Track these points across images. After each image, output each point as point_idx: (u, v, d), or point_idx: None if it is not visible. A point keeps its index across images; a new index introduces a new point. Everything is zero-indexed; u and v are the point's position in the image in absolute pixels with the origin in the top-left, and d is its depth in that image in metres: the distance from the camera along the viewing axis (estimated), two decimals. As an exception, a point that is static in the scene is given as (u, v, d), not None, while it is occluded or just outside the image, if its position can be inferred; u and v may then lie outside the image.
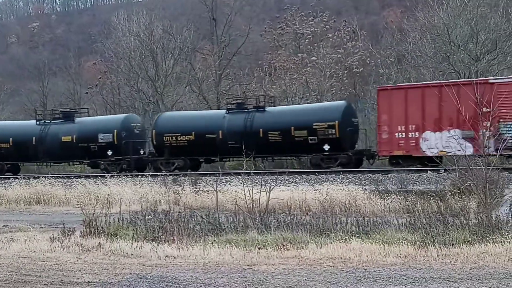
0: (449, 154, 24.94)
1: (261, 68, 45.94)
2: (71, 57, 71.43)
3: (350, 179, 23.86)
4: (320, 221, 13.70)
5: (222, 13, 49.98)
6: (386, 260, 10.88)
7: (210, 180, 24.12)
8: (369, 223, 13.44)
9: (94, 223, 14.36)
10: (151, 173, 27.88)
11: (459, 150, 21.69)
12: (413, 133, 27.15)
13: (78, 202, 21.67)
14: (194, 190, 21.98)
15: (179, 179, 25.46)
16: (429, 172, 23.70)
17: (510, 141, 22.04)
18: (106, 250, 12.54)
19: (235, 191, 17.63)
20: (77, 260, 11.82)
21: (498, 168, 16.37)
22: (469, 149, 22.59)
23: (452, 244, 11.54)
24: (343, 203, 17.61)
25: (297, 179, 24.85)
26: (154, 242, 12.86)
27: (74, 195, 23.58)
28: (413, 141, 27.11)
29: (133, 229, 14.03)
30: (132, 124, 34.35)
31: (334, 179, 24.06)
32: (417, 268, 10.25)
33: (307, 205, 18.02)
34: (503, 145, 18.23)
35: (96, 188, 23.78)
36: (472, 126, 21.39)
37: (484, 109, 20.22)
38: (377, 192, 18.67)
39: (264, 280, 9.77)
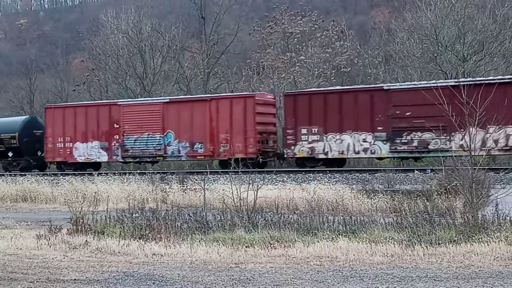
0: (92, 160, 33.42)
1: (250, 67, 45.94)
2: (59, 54, 71.11)
3: (337, 178, 23.92)
4: (307, 220, 13.74)
5: (211, 11, 49.93)
6: (372, 259, 10.93)
7: (197, 179, 24.12)
8: (356, 222, 13.50)
9: (81, 220, 14.35)
10: (138, 171, 27.84)
11: (99, 158, 33.24)
12: (68, 143, 33.95)
13: (65, 199, 21.60)
14: (182, 189, 21.96)
15: (166, 177, 25.44)
16: (415, 172, 23.88)
17: (130, 150, 32.54)
18: (93, 248, 12.53)
19: (223, 190, 17.63)
20: (64, 258, 11.79)
21: (484, 169, 16.48)
22: (104, 157, 33.32)
23: (439, 244, 11.61)
24: (330, 202, 17.66)
25: (284, 178, 24.89)
26: (141, 240, 12.86)
27: (61, 193, 23.50)
28: (68, 150, 33.87)
29: (120, 227, 14.02)
30: (34, 126, 36.81)
31: (321, 178, 24.10)
32: (403, 267, 10.31)
33: (294, 204, 18.07)
34: (126, 154, 32.18)
35: (83, 186, 23.71)
36: (106, 138, 32.97)
37: (115, 125, 32.83)
38: (364, 192, 18.72)
39: (251, 278, 9.79)
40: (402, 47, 40.10)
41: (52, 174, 30.84)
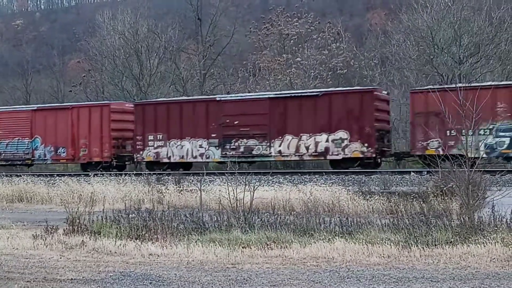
0: None
1: (246, 68, 45.94)
2: (55, 55, 71.07)
3: (334, 180, 23.95)
4: (304, 221, 13.74)
5: (207, 13, 49.95)
6: (369, 260, 10.94)
7: (193, 180, 24.12)
8: (352, 223, 13.50)
9: (78, 221, 14.33)
10: (134, 172, 27.81)
11: None
12: None
13: (61, 200, 21.56)
14: (178, 189, 21.95)
15: (162, 178, 25.44)
16: (412, 173, 23.95)
17: (3, 154, 35.70)
18: (90, 248, 12.52)
19: (219, 191, 17.64)
20: (60, 258, 11.78)
21: (481, 171, 16.52)
22: None
23: (435, 245, 11.62)
24: (327, 204, 17.68)
25: (280, 179, 24.91)
26: (137, 240, 12.85)
27: (57, 193, 23.44)
28: None
29: (117, 227, 14.01)
30: None
31: (317, 179, 24.12)
32: (400, 268, 10.32)
33: (290, 205, 18.06)
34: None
35: (79, 186, 23.68)
36: None
37: None
38: (361, 193, 18.74)
39: (248, 278, 9.79)
40: (398, 49, 40.19)
41: (48, 174, 30.81)
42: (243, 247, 12.08)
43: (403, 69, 40.03)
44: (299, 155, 29.32)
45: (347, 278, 9.72)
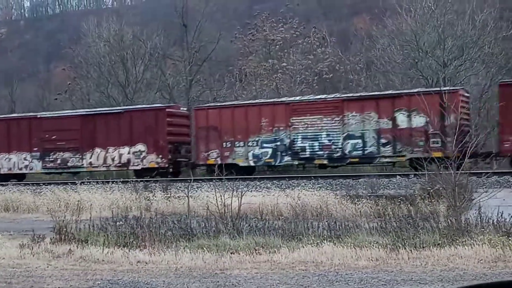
0: None
1: (232, 74, 45.94)
2: (40, 63, 70.85)
3: (321, 184, 23.97)
4: (292, 226, 13.76)
5: (193, 19, 49.89)
6: (357, 263, 10.96)
7: (181, 186, 24.07)
8: (340, 227, 13.53)
9: (64, 229, 14.26)
10: (121, 180, 27.73)
11: None
12: None
13: (48, 209, 21.42)
14: (165, 196, 21.90)
15: (150, 185, 25.37)
16: (398, 177, 24.04)
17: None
18: (77, 256, 12.46)
19: (207, 197, 17.63)
20: (48, 267, 11.71)
21: (467, 173, 16.60)
22: None
23: (423, 247, 11.67)
24: (315, 208, 17.70)
25: (268, 184, 24.90)
26: (125, 248, 12.81)
27: (43, 202, 23.31)
28: None
29: (104, 235, 13.96)
30: None
31: (305, 184, 24.15)
32: (388, 270, 10.35)
33: (278, 210, 18.08)
34: None
35: (66, 194, 23.55)
36: None
37: None
38: (348, 197, 18.78)
39: (236, 284, 9.79)
40: (383, 53, 40.32)
41: (34, 183, 30.66)
42: (231, 253, 12.07)
43: (388, 73, 40.16)
44: (106, 166, 33.30)
45: (336, 282, 9.74)
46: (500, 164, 27.28)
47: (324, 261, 11.16)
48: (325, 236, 12.89)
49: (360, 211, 17.19)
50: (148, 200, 21.29)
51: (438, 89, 27.49)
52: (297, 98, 31.36)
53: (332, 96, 30.59)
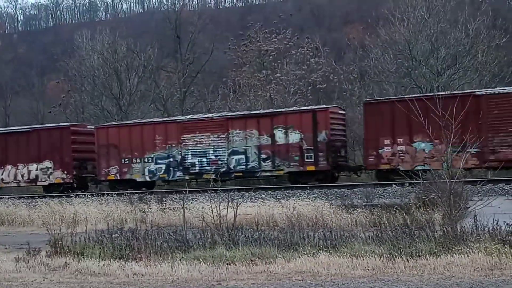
0: None
1: (226, 85, 45.95)
2: (34, 76, 70.79)
3: (316, 194, 23.98)
4: (288, 236, 13.73)
5: (186, 31, 50.01)
6: (354, 272, 10.96)
7: (176, 198, 24.03)
8: (336, 237, 13.51)
9: (60, 242, 14.22)
10: (116, 192, 27.73)
11: None
12: None
13: (43, 222, 21.38)
14: (160, 208, 21.86)
15: (145, 197, 25.33)
16: (393, 185, 24.07)
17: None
18: (73, 269, 12.42)
19: (202, 208, 17.60)
20: (44, 280, 11.68)
21: (461, 181, 16.63)
22: None
23: (419, 256, 11.67)
24: (310, 218, 17.68)
25: (263, 195, 24.90)
26: (121, 260, 12.77)
27: (38, 215, 23.24)
28: None
29: (100, 248, 13.91)
30: None
31: (300, 194, 24.15)
32: (385, 280, 10.34)
33: (274, 221, 18.06)
34: None
35: (61, 207, 23.49)
36: None
37: None
38: (343, 207, 18.79)
39: (233, 295, 9.77)
40: (377, 63, 40.43)
41: (29, 196, 30.59)
42: (227, 264, 12.05)
43: (382, 82, 40.27)
44: (16, 182, 34.90)
45: (333, 291, 9.72)
46: (371, 177, 29.72)
47: (320, 271, 11.15)
48: (321, 246, 12.88)
49: (355, 221, 17.20)
50: (143, 212, 21.25)
51: (311, 107, 30.41)
52: (188, 116, 33.55)
53: (218, 114, 32.80)
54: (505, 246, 11.51)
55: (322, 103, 38.46)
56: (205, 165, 30.61)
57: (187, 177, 30.96)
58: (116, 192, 26.86)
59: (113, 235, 14.75)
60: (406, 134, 27.00)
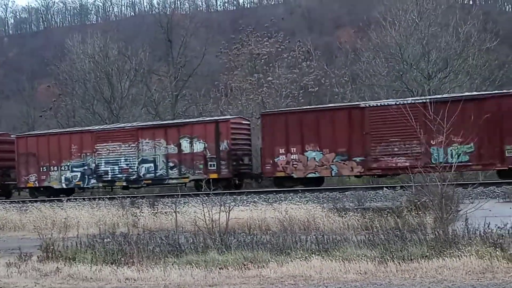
0: None
1: (218, 88, 45.91)
2: (25, 80, 70.56)
3: (308, 198, 23.96)
4: (280, 240, 13.73)
5: (178, 34, 49.98)
6: (346, 276, 10.97)
7: (168, 202, 24.00)
8: (328, 240, 13.52)
9: (52, 247, 14.18)
10: (108, 196, 27.68)
11: None
12: None
13: (34, 226, 21.27)
14: (152, 212, 21.82)
15: (137, 201, 25.28)
16: (385, 189, 24.12)
17: None
18: (65, 274, 12.38)
19: (194, 212, 17.58)
20: (35, 285, 11.63)
21: (453, 184, 16.67)
22: None
23: (411, 259, 11.69)
24: (302, 222, 17.68)
25: (255, 199, 24.87)
26: (113, 265, 12.74)
27: (29, 220, 23.13)
28: None
29: (92, 253, 13.88)
30: None
31: (292, 197, 24.14)
32: (377, 283, 10.36)
33: (266, 224, 18.04)
34: None
35: (52, 212, 23.41)
36: None
37: None
38: (335, 210, 18.79)
39: (226, 300, 9.76)
40: (368, 66, 40.52)
41: (20, 201, 30.51)
42: (220, 268, 12.04)
43: (374, 85, 40.35)
44: None
45: (325, 295, 9.73)
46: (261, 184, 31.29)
47: (313, 275, 11.16)
48: (314, 250, 12.88)
49: (347, 224, 17.20)
50: (135, 216, 21.19)
51: (214, 118, 32.09)
52: (101, 127, 35.06)
53: (129, 125, 34.01)
54: (497, 249, 11.55)
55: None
56: (117, 173, 32.01)
57: (100, 185, 32.58)
58: (108, 197, 26.83)
59: (105, 240, 14.72)
60: (298, 143, 28.30)
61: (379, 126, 26.90)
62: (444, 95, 28.78)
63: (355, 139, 27.20)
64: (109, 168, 32.15)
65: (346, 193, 23.95)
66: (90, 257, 13.49)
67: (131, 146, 31.61)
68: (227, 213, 14.78)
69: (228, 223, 14.71)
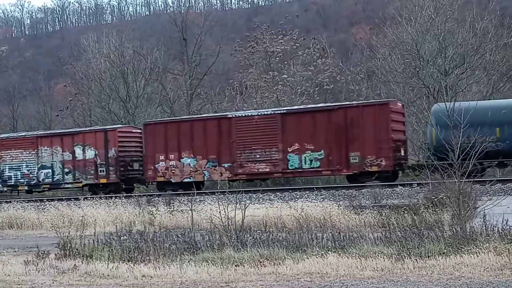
0: None
1: (232, 87, 45.92)
2: (41, 80, 70.90)
3: (324, 195, 23.93)
4: (296, 237, 13.71)
5: (192, 33, 50.06)
6: (363, 273, 10.93)
7: (184, 200, 24.05)
8: (345, 238, 13.49)
9: (69, 245, 14.24)
10: (125, 195, 27.85)
11: None
12: None
13: (52, 225, 21.43)
14: (169, 210, 21.87)
15: (153, 199, 25.37)
16: (399, 186, 24.06)
17: None
18: (82, 271, 12.43)
19: (210, 210, 17.59)
20: (53, 283, 11.69)
21: (471, 181, 16.57)
22: None
23: (428, 256, 11.63)
24: (318, 219, 17.66)
25: (271, 197, 24.87)
26: (130, 262, 12.77)
27: (47, 218, 23.30)
28: None
29: (109, 250, 13.93)
30: None
31: (308, 195, 24.11)
32: (394, 280, 10.31)
33: (282, 222, 18.03)
34: None
35: (70, 210, 23.56)
36: None
37: None
38: (352, 208, 18.74)
39: (242, 297, 9.75)
40: (384, 63, 40.28)
41: (38, 200, 30.73)
42: (236, 266, 12.04)
43: (390, 82, 40.13)
44: None
45: (342, 292, 9.69)
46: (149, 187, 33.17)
47: (329, 272, 11.13)
48: (330, 247, 12.85)
49: (364, 222, 17.16)
50: (151, 214, 21.26)
51: (104, 128, 34.21)
52: (5, 135, 37.65)
53: (30, 133, 36.90)
54: (515, 246, 11.46)
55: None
56: (19, 178, 34.43)
57: (5, 189, 34.90)
58: (124, 195, 27.02)
59: (122, 238, 14.79)
60: (176, 151, 30.42)
61: (244, 134, 29.05)
62: (298, 107, 32.14)
63: (224, 147, 29.42)
64: (12, 174, 34.62)
65: (363, 190, 23.87)
66: (107, 255, 13.54)
67: (32, 153, 34.01)
68: (243, 211, 14.79)
69: (244, 221, 14.72)
